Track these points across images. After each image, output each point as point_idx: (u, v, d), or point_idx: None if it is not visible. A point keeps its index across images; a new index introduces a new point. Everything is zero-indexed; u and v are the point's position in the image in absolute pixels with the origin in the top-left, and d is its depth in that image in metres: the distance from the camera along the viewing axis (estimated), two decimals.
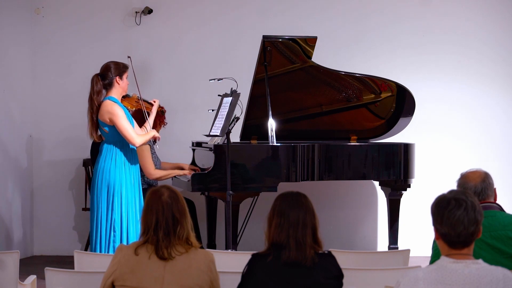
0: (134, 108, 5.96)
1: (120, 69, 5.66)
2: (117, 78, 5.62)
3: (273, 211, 3.17)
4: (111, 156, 5.57)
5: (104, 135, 5.64)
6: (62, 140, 7.79)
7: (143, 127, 5.85)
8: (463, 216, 2.71)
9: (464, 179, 3.65)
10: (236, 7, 7.85)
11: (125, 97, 5.80)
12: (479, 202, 3.54)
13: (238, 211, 6.18)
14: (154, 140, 5.94)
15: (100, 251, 5.45)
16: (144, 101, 5.93)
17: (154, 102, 5.96)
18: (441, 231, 2.74)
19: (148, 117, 5.87)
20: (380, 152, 6.61)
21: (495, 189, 3.68)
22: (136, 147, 5.70)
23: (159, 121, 6.68)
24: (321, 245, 3.15)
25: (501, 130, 7.89)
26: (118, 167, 5.55)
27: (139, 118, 5.95)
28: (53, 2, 7.83)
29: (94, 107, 5.58)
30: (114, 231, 5.50)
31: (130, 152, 5.64)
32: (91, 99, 5.60)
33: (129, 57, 5.87)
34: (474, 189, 3.60)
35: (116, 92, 5.64)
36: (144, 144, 5.81)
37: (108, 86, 5.63)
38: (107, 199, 5.52)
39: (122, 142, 5.61)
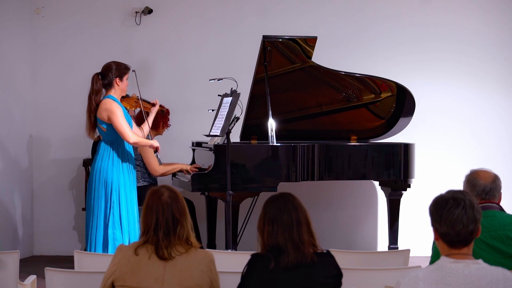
0: (133, 108, 5.95)
1: (121, 70, 5.64)
2: (117, 79, 5.61)
3: (263, 220, 3.13)
4: (108, 155, 5.57)
5: (101, 133, 5.64)
6: (62, 140, 7.79)
7: (141, 127, 5.84)
8: (462, 215, 2.71)
9: (475, 175, 3.65)
10: (236, 7, 7.85)
11: (124, 97, 5.79)
12: (482, 201, 3.56)
13: (238, 211, 6.18)
14: (156, 150, 5.89)
15: (98, 250, 5.44)
16: (144, 101, 5.91)
17: (156, 102, 5.94)
18: (440, 230, 2.74)
19: (147, 117, 5.86)
20: (380, 152, 6.60)
21: (500, 192, 3.68)
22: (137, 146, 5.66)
23: (163, 123, 6.68)
24: (316, 238, 3.14)
25: (502, 129, 7.89)
26: (115, 166, 5.55)
27: (142, 119, 5.93)
28: (53, 2, 7.83)
29: (92, 106, 5.58)
30: (114, 229, 5.49)
31: (127, 151, 5.64)
32: (90, 98, 5.60)
33: (133, 71, 5.74)
34: (483, 187, 3.60)
35: (115, 92, 5.64)
36: (139, 144, 5.78)
37: (108, 86, 5.63)
38: (105, 198, 5.52)
39: (119, 141, 5.61)
